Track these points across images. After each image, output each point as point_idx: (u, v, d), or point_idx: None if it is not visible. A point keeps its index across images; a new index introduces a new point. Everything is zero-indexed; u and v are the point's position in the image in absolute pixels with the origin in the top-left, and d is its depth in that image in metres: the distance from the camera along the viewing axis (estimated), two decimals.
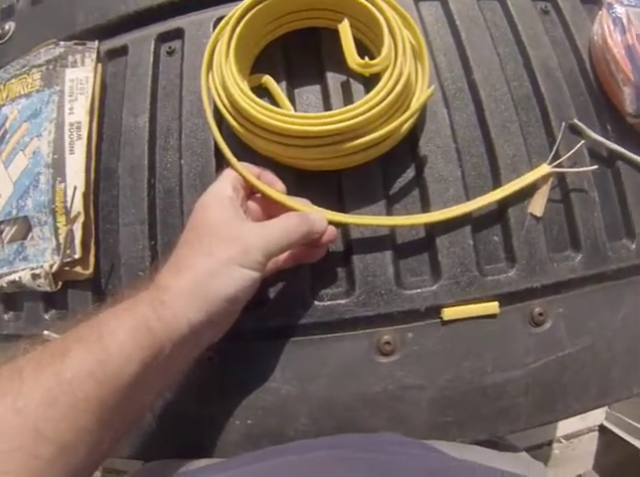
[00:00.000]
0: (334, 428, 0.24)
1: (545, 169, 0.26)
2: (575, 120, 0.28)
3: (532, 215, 0.26)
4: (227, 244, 0.20)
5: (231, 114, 0.24)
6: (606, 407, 0.64)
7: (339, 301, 0.25)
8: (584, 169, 0.27)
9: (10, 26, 0.36)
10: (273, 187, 0.24)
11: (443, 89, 0.27)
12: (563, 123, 0.27)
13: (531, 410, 0.25)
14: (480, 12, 0.30)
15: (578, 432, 0.68)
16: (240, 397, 0.24)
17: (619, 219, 0.28)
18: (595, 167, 0.27)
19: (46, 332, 0.27)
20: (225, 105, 0.25)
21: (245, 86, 0.24)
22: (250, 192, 0.24)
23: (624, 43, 0.28)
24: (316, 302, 0.25)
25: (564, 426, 0.67)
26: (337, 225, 0.24)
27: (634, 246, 0.27)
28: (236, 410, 0.24)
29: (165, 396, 0.24)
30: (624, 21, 0.29)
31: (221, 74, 0.25)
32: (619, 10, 0.29)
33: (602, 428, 0.67)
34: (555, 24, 0.31)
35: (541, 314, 0.25)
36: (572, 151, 0.26)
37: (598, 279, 0.26)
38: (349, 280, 0.25)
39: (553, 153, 0.26)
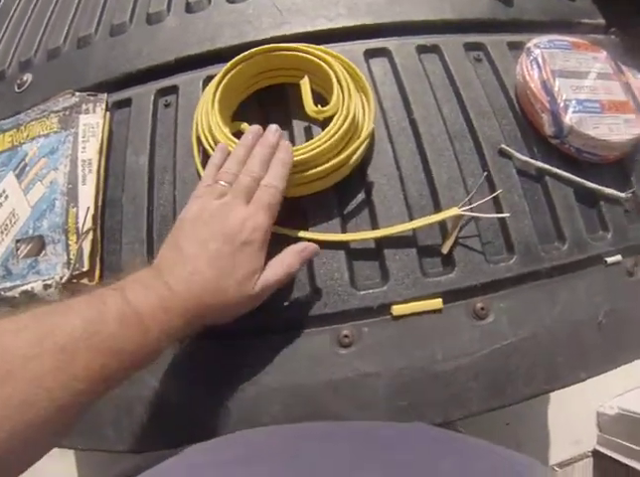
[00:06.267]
0: (303, 415, 0.29)
1: (454, 211, 0.31)
2: (504, 146, 0.36)
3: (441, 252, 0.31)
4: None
5: None
6: (597, 431, 0.66)
7: (305, 302, 0.31)
8: (491, 216, 0.32)
9: (28, 77, 0.44)
10: None
11: (389, 129, 0.35)
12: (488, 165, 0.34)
13: (482, 395, 0.29)
14: (421, 64, 0.39)
15: (572, 459, 0.69)
16: (223, 388, 0.29)
17: (550, 224, 0.34)
18: (507, 215, 0.32)
19: None
20: (211, 146, 0.33)
21: (227, 132, 0.33)
22: None
23: (540, 78, 0.37)
24: (286, 303, 0.31)
25: (557, 454, 0.68)
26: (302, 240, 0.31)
27: (565, 247, 0.33)
28: (217, 399, 0.29)
29: (155, 387, 0.30)
30: (540, 60, 0.38)
31: (208, 122, 0.33)
32: (536, 52, 0.38)
33: (596, 454, 0.68)
34: (486, 69, 0.40)
35: (482, 308, 0.31)
36: (484, 200, 0.32)
37: (534, 277, 0.32)
38: (311, 285, 0.31)
39: (467, 199, 0.32)
